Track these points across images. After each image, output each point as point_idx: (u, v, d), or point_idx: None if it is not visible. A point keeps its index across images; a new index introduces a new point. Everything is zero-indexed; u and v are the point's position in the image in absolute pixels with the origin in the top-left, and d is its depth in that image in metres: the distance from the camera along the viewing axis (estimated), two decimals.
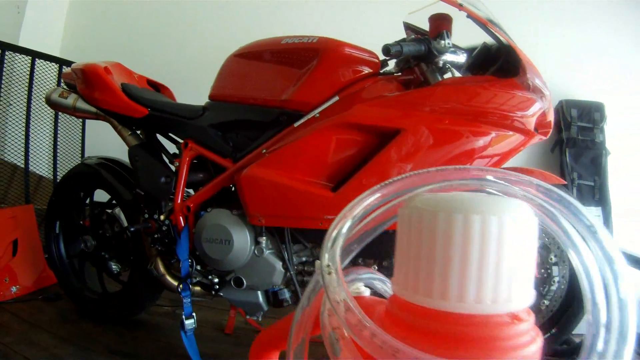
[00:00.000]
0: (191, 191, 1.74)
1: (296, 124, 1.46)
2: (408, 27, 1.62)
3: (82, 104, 1.83)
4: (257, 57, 1.56)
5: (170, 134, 1.76)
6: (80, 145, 3.00)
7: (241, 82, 1.57)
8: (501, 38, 1.37)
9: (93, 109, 1.81)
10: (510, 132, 1.33)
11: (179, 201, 1.63)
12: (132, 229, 1.62)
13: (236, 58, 1.61)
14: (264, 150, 1.47)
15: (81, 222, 2.01)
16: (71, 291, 2.06)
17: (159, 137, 1.83)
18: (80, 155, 2.94)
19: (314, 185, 1.40)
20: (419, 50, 1.39)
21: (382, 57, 1.44)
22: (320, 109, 1.43)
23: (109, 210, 1.94)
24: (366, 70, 1.46)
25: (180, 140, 1.68)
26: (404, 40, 1.45)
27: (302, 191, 1.38)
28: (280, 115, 1.48)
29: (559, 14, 2.63)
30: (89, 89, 1.78)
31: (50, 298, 2.22)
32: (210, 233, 1.54)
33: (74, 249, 2.05)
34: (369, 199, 0.42)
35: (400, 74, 1.53)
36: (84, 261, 2.05)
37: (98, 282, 1.99)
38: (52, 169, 2.93)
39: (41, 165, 2.94)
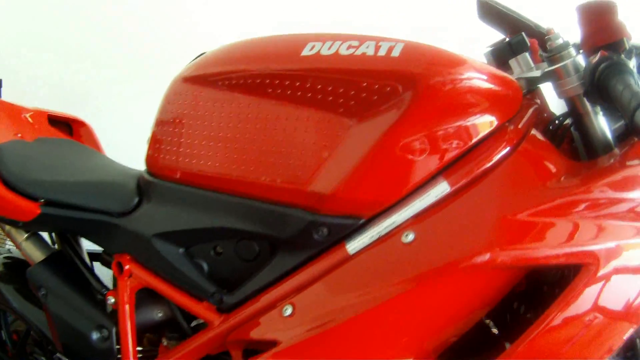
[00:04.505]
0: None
1: (351, 248, 0.55)
2: (485, 7, 0.73)
3: None
4: (241, 86, 0.62)
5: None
6: None
7: (208, 144, 0.64)
8: None
9: None
10: None
11: None
12: None
13: (190, 86, 0.67)
14: (289, 311, 0.57)
15: None
16: None
17: None
18: None
19: None
20: None
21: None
22: (407, 215, 0.53)
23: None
24: (498, 119, 0.57)
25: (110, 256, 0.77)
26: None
27: None
28: (313, 227, 0.57)
29: None
30: None
31: None
32: None
33: None
34: None
35: None
36: None
37: None
38: None
39: None
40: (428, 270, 0.50)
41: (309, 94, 0.56)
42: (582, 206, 0.51)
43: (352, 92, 0.54)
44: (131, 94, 1.64)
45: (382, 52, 0.53)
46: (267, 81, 0.59)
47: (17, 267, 1.02)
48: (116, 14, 1.65)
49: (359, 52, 0.54)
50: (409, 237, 0.52)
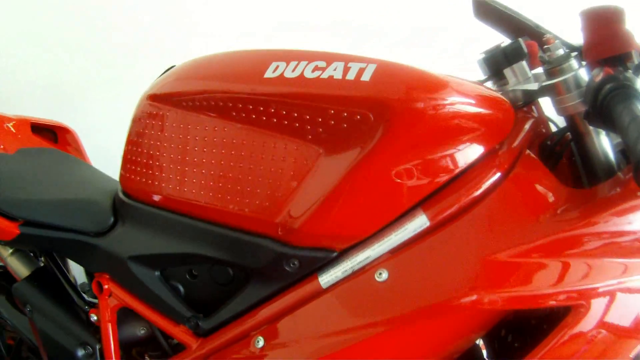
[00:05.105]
0: None
1: (324, 282, 0.51)
2: (481, 5, 0.65)
3: None
4: (206, 107, 0.57)
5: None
6: None
7: (175, 168, 0.60)
8: None
9: None
10: None
11: None
12: None
13: (155, 105, 0.62)
14: (261, 343, 0.54)
15: None
16: None
17: None
18: None
19: None
20: None
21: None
22: (382, 250, 0.48)
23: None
24: (486, 145, 0.50)
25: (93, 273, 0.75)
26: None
27: None
28: (284, 259, 0.53)
29: None
30: None
31: None
32: None
33: None
34: None
35: None
36: None
37: None
38: None
39: None
40: (402, 314, 0.45)
41: (274, 119, 0.51)
42: (578, 244, 0.45)
43: (319, 119, 0.48)
44: (131, 95, 1.61)
45: (350, 76, 0.47)
46: (230, 104, 0.53)
47: (5, 277, 1.00)
48: (116, 14, 1.60)
49: (325, 75, 0.48)
50: (383, 275, 0.47)
